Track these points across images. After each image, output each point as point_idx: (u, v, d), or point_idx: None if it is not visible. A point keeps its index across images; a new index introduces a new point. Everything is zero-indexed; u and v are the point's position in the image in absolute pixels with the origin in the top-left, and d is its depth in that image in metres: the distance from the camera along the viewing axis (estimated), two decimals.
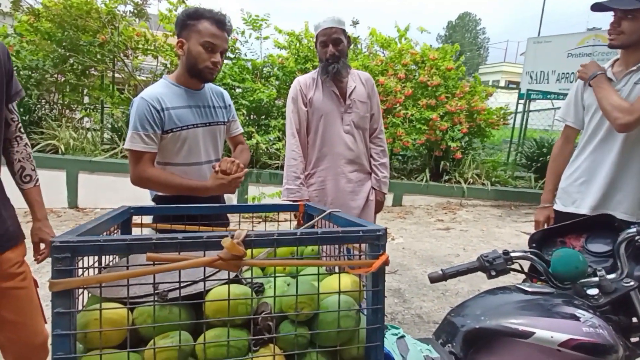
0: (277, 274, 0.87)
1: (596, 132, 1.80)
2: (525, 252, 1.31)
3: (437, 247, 4.31)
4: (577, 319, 1.08)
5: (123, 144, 5.41)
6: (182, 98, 1.67)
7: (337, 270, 0.86)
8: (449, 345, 1.14)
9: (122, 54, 5.50)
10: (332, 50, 2.10)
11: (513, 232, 4.89)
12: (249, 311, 0.76)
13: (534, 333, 1.05)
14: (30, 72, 5.15)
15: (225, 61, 5.70)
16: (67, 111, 5.99)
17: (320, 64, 2.18)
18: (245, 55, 6.08)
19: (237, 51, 5.93)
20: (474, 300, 1.22)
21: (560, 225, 1.46)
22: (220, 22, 1.62)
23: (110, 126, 5.97)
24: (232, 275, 0.81)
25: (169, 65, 5.62)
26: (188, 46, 1.62)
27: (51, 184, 4.70)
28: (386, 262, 0.76)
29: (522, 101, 7.97)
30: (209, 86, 1.80)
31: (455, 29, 48.43)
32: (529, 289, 1.19)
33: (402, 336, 1.12)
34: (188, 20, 1.61)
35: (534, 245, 1.46)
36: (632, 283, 1.18)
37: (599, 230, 1.40)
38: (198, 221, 1.20)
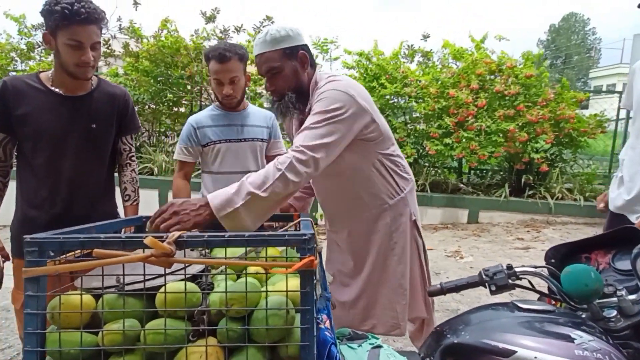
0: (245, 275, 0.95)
1: None
2: (535, 267, 1.22)
3: None
4: (571, 340, 0.98)
5: None
6: (220, 118, 2.02)
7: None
8: (428, 359, 1.11)
9: (207, 84, 6.11)
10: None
11: None
12: (192, 306, 0.85)
13: (514, 352, 0.98)
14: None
15: None
16: (163, 137, 6.79)
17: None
18: None
19: None
20: (462, 315, 1.16)
21: (585, 239, 1.32)
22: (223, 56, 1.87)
23: None
24: (189, 274, 0.91)
25: (247, 91, 6.09)
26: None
27: (146, 202, 5.35)
28: (310, 266, 0.80)
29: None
30: (254, 109, 2.09)
31: (559, 32, 44.52)
32: (524, 306, 1.11)
33: (379, 346, 1.11)
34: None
35: (552, 261, 1.34)
36: None
37: (628, 245, 1.24)
38: None
